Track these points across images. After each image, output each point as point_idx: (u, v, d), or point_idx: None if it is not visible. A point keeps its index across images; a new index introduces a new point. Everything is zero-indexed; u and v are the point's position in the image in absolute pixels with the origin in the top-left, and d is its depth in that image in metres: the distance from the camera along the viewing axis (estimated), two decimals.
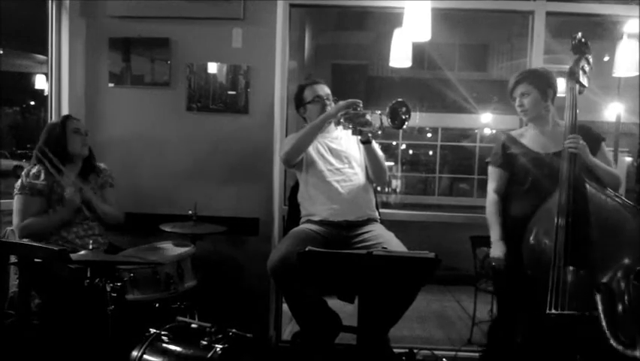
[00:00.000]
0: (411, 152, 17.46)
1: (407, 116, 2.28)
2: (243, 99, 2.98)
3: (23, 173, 2.51)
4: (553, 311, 2.05)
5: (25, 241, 2.27)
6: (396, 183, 15.66)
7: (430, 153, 17.17)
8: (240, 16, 2.94)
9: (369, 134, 2.47)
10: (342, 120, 2.43)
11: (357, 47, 12.22)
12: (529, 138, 2.45)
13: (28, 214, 2.42)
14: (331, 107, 2.61)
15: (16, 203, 2.45)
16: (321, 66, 13.05)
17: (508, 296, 2.43)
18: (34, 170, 2.50)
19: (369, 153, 2.59)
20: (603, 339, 1.95)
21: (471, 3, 3.16)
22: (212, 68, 2.98)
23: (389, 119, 2.27)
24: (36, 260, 1.81)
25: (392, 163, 15.56)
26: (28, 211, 2.43)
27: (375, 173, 2.66)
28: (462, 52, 14.78)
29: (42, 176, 2.48)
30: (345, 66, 13.58)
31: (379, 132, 2.43)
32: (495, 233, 2.37)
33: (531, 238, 2.22)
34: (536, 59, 3.01)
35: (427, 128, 16.72)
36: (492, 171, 2.51)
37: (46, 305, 1.85)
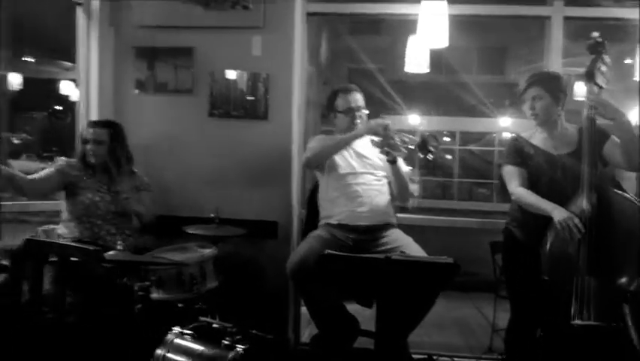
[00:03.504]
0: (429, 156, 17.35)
1: (435, 149, 2.32)
2: (262, 105, 3.04)
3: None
4: (577, 322, 2.02)
5: (61, 240, 2.39)
6: (413, 188, 15.56)
7: (449, 157, 17.06)
8: (259, 24, 3.01)
9: (396, 156, 2.51)
10: (371, 138, 2.48)
11: (374, 50, 12.23)
12: (539, 139, 2.41)
13: (36, 176, 2.56)
14: (362, 119, 2.66)
15: None
16: (337, 70, 13.05)
17: (525, 301, 2.39)
18: (73, 160, 2.67)
19: (395, 173, 2.61)
20: (630, 350, 1.94)
21: (487, 9, 3.17)
22: (233, 75, 3.05)
23: (417, 149, 2.31)
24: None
25: (410, 168, 15.47)
26: (39, 175, 2.58)
27: (398, 191, 2.69)
28: (480, 55, 14.66)
29: (76, 166, 2.64)
30: (361, 70, 13.57)
31: (404, 156, 2.48)
32: (547, 203, 2.19)
33: (550, 243, 2.17)
34: (553, 64, 3.01)
35: (445, 132, 16.63)
36: (510, 170, 2.40)
37: (80, 303, 1.94)
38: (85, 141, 2.64)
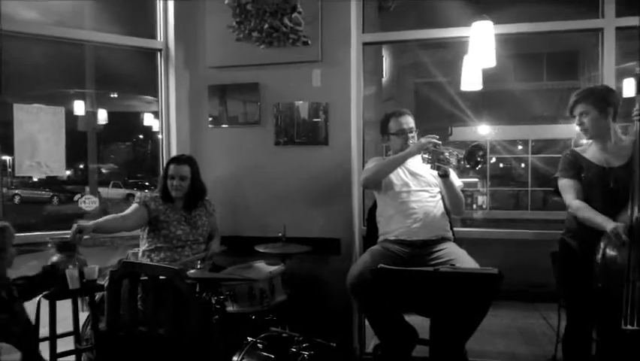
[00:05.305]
0: (501, 165, 16.94)
1: (482, 159, 2.42)
2: (323, 132, 3.26)
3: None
4: (628, 327, 2.08)
5: (148, 262, 2.72)
6: (482, 200, 15.18)
7: (522, 165, 16.54)
8: (318, 58, 3.24)
9: (447, 170, 2.63)
10: (422, 155, 2.63)
11: (439, 63, 12.24)
12: (592, 153, 2.49)
13: (127, 214, 2.82)
14: (414, 139, 2.82)
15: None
16: (403, 84, 13.12)
17: (580, 309, 2.47)
18: (155, 193, 2.96)
19: (447, 186, 2.73)
20: None
21: (537, 26, 3.22)
22: (296, 106, 3.30)
23: (465, 161, 2.42)
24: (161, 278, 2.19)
25: (477, 179, 15.12)
26: (129, 213, 2.83)
27: (451, 204, 2.80)
28: (549, 61, 14.24)
29: (158, 201, 2.92)
30: (427, 83, 13.58)
31: (455, 170, 2.60)
32: (601, 218, 2.28)
33: (603, 251, 2.24)
34: (607, 75, 3.04)
35: (519, 141, 16.18)
36: (565, 183, 2.51)
37: (168, 317, 2.21)
38: (171, 177, 2.90)
